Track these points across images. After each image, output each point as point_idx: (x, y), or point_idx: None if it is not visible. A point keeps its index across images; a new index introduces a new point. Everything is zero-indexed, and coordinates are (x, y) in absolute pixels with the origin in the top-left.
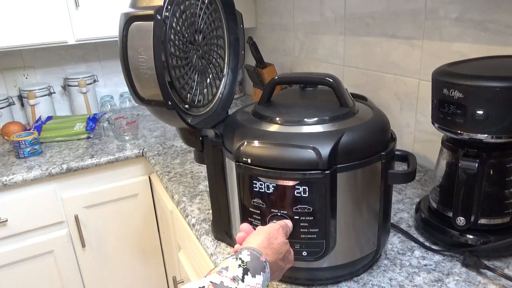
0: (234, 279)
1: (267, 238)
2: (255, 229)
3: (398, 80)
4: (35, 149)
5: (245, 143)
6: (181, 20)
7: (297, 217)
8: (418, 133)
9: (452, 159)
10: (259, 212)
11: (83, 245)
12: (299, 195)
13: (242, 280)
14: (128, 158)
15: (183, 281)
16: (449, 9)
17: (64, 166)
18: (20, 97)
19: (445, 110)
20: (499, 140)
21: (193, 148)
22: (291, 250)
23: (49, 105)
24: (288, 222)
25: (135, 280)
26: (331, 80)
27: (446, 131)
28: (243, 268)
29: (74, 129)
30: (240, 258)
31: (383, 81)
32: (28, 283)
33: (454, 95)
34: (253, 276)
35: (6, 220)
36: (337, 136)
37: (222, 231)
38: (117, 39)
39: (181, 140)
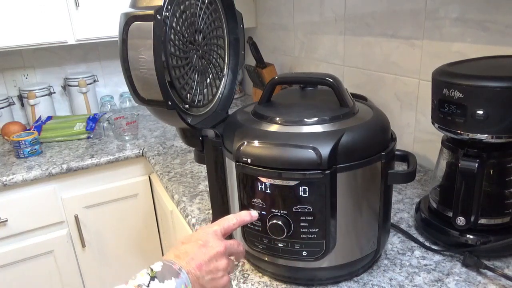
0: (139, 286)
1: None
2: (255, 229)
3: (398, 80)
4: (35, 149)
5: (245, 143)
6: (181, 20)
7: (297, 217)
8: (418, 133)
9: (452, 159)
10: (259, 212)
11: (83, 245)
12: (299, 195)
13: (148, 286)
14: (128, 158)
15: None
16: (449, 9)
17: (64, 166)
18: (20, 97)
19: (445, 110)
20: (499, 140)
21: (193, 148)
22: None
23: (49, 105)
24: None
25: None
26: (331, 80)
27: (446, 131)
28: (150, 276)
29: (74, 129)
30: (151, 268)
31: (383, 81)
32: (28, 283)
33: (454, 95)
34: (161, 281)
35: (6, 220)
36: (337, 136)
37: None
38: (117, 39)
39: (181, 140)
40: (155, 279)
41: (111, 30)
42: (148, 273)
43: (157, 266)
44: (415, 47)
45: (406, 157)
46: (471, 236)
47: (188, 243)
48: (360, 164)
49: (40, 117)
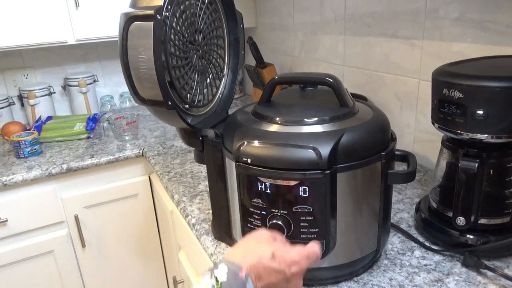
0: None
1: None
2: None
3: (398, 80)
4: (35, 149)
5: (245, 143)
6: (181, 20)
7: (297, 217)
8: (418, 133)
9: (452, 159)
10: (259, 212)
11: (83, 245)
12: (299, 195)
13: None
14: (128, 158)
15: (183, 281)
16: (449, 9)
17: (64, 166)
18: (20, 97)
19: (445, 110)
20: (499, 140)
21: (193, 148)
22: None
23: (49, 105)
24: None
25: (135, 280)
26: (331, 80)
27: (446, 131)
28: None
29: (74, 129)
30: (216, 277)
31: (383, 81)
32: (28, 283)
33: (454, 95)
34: None
35: (6, 220)
36: (337, 136)
37: (222, 231)
38: (117, 39)
39: (181, 140)
40: None
41: (111, 30)
42: (214, 286)
43: (222, 273)
44: (415, 47)
45: (406, 157)
46: (471, 236)
47: (276, 267)
48: (360, 164)
49: (40, 117)
